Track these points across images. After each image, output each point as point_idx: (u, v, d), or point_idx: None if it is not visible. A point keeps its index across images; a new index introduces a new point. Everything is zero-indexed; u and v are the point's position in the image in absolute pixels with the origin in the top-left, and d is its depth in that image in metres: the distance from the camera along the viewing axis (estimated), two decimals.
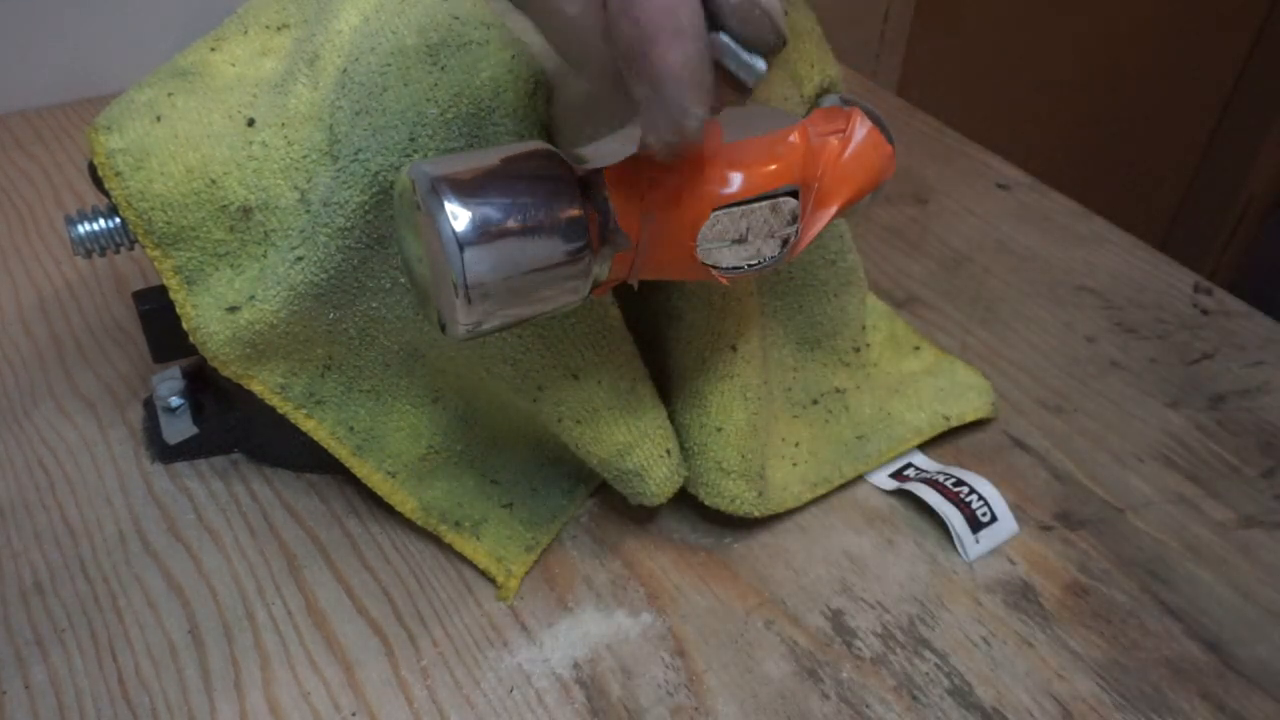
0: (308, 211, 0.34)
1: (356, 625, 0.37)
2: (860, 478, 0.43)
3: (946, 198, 0.62)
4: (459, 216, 0.25)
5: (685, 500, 0.40)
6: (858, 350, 0.45)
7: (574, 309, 0.33)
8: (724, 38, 0.25)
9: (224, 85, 0.37)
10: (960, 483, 0.41)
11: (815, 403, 0.44)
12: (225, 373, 0.36)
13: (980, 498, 0.41)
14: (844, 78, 0.42)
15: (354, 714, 0.34)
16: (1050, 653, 0.37)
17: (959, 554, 0.40)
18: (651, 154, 0.25)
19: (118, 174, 0.34)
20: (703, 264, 0.29)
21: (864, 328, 0.45)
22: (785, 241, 0.30)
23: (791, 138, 0.30)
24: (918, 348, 0.48)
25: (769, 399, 0.42)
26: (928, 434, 0.44)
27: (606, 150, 0.27)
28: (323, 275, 0.34)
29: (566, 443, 0.38)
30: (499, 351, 0.35)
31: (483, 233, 0.26)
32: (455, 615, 0.38)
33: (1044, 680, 0.36)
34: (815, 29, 0.41)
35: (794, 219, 0.30)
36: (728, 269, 0.29)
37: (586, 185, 0.28)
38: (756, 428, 0.39)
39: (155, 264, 0.35)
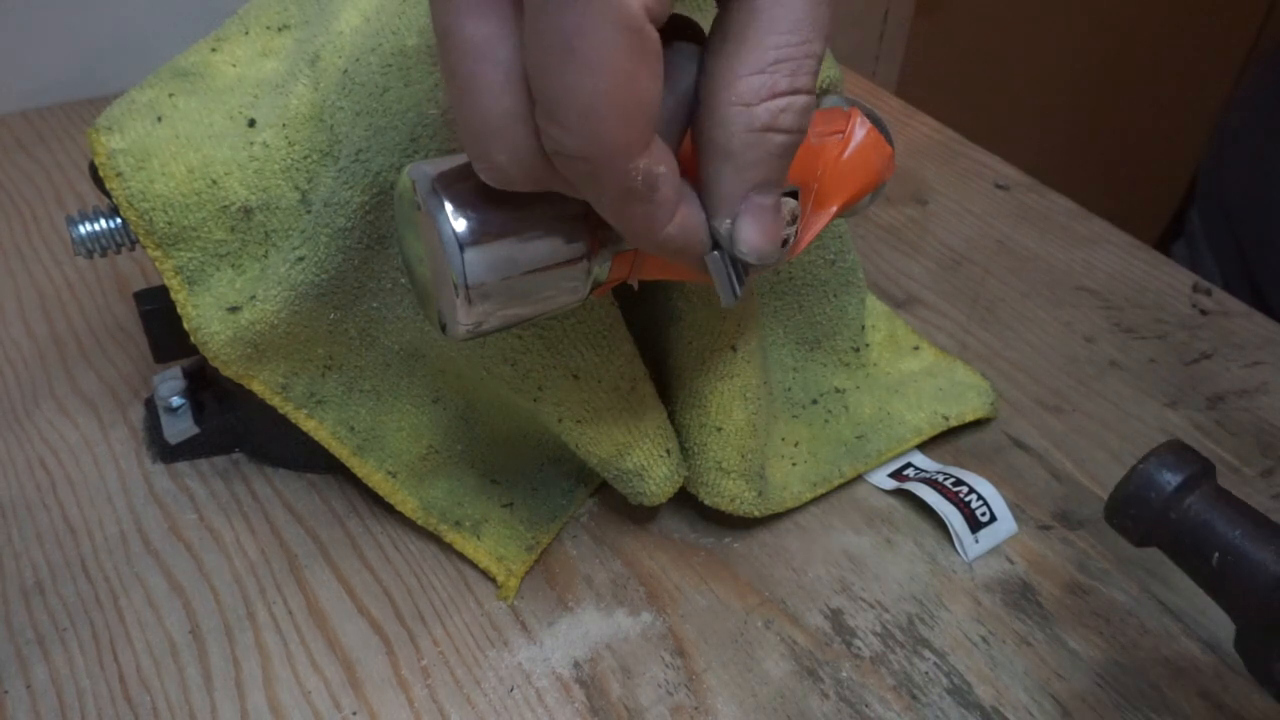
0: (309, 212, 0.35)
1: (357, 625, 0.37)
2: (860, 477, 0.43)
3: (946, 198, 0.62)
4: (459, 217, 0.26)
5: (685, 500, 0.40)
6: (857, 350, 0.45)
7: (574, 309, 0.33)
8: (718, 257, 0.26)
9: (225, 86, 0.37)
10: (960, 482, 0.41)
11: (815, 403, 0.44)
12: (226, 373, 0.36)
13: (979, 497, 0.41)
14: (844, 78, 0.42)
15: (354, 713, 0.34)
16: (1049, 652, 0.37)
17: (958, 553, 0.40)
18: None
19: (119, 174, 0.35)
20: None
21: (863, 328, 0.45)
22: (785, 242, 0.30)
23: None
24: (917, 348, 0.48)
25: (769, 399, 0.42)
26: (927, 434, 0.44)
27: None
28: (324, 275, 0.34)
29: (566, 443, 0.38)
30: (499, 352, 0.35)
31: (483, 233, 0.26)
32: (455, 614, 0.38)
33: (1043, 679, 0.36)
34: None
35: (794, 219, 0.30)
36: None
37: None
38: (756, 427, 0.39)
39: (156, 264, 0.35)
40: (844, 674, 0.36)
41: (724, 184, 0.25)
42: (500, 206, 0.26)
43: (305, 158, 0.35)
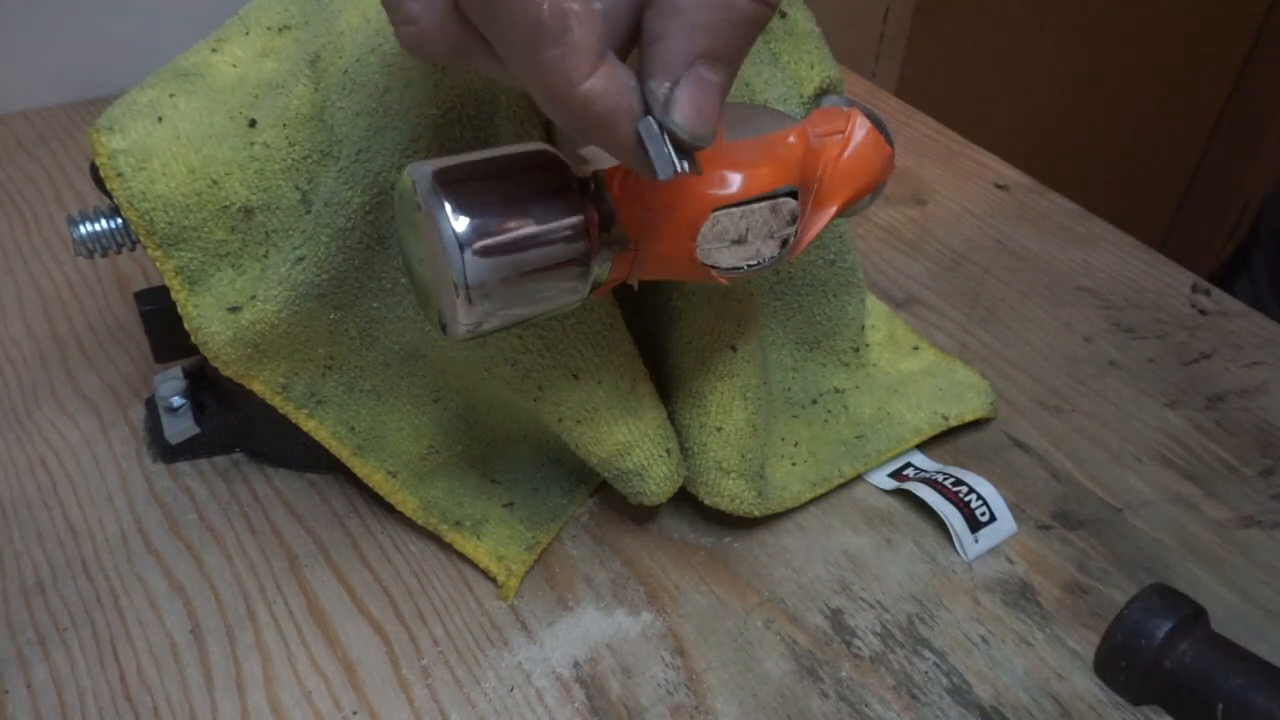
0: (309, 212, 0.35)
1: (357, 624, 0.37)
2: (859, 477, 0.43)
3: (946, 198, 0.62)
4: (459, 217, 0.26)
5: (685, 500, 0.40)
6: (857, 350, 0.45)
7: (574, 309, 0.33)
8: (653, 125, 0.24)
9: (226, 86, 0.37)
10: (959, 482, 0.41)
11: (814, 402, 0.44)
12: (226, 373, 0.36)
13: (979, 497, 0.41)
14: (844, 78, 0.42)
15: (355, 713, 0.34)
16: (1049, 652, 0.37)
17: (958, 553, 0.40)
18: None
19: (119, 175, 0.35)
20: (702, 264, 0.29)
21: (863, 328, 0.45)
22: (785, 242, 0.30)
23: (791, 138, 0.30)
24: (917, 348, 0.48)
25: (769, 399, 0.42)
26: (927, 434, 0.44)
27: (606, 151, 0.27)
28: (324, 275, 0.34)
29: (566, 442, 0.38)
30: (499, 351, 0.35)
31: (483, 233, 0.26)
32: (456, 614, 0.38)
33: (1043, 679, 0.36)
34: (815, 30, 0.41)
35: (793, 219, 0.30)
36: (727, 269, 0.30)
37: (587, 186, 0.28)
38: (756, 427, 0.39)
39: (157, 264, 0.36)
40: (844, 674, 0.36)
41: (669, 41, 0.23)
42: (501, 206, 0.26)
43: (305, 158, 0.35)
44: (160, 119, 0.35)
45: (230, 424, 0.42)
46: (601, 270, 0.29)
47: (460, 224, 0.26)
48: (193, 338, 0.36)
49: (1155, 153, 1.56)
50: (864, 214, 0.59)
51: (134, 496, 0.42)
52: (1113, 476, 0.44)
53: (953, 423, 0.44)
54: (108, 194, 0.35)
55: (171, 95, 0.36)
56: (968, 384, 0.46)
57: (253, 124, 0.35)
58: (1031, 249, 0.58)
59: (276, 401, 0.37)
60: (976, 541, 0.40)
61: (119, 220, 0.37)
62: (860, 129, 0.32)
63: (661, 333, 0.39)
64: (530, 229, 0.26)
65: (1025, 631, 0.38)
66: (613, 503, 0.42)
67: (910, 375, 0.46)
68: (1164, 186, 1.63)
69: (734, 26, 0.23)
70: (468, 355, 0.36)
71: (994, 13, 1.28)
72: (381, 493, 0.39)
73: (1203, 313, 0.53)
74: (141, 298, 0.40)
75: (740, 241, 0.29)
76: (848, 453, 0.43)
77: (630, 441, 0.37)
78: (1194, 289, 0.55)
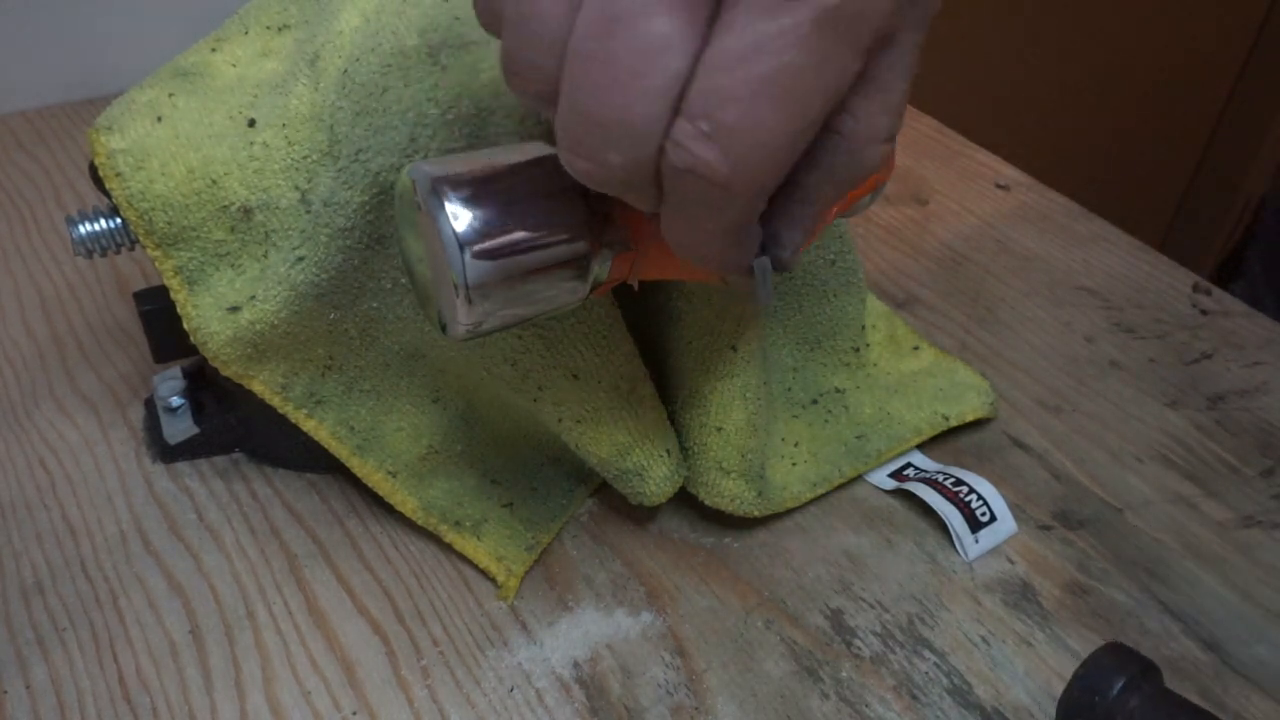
0: (308, 212, 0.35)
1: (357, 625, 0.37)
2: (860, 477, 0.43)
3: (946, 198, 0.62)
4: (459, 217, 0.25)
5: (685, 500, 0.40)
6: (857, 350, 0.45)
7: (574, 309, 0.33)
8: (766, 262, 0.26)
9: (225, 86, 0.37)
10: (960, 482, 0.41)
11: (815, 402, 0.44)
12: (226, 373, 0.36)
13: (980, 497, 0.41)
14: None
15: (354, 713, 0.34)
16: (1049, 652, 0.37)
17: (958, 553, 0.40)
18: None
19: (119, 174, 0.35)
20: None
21: (863, 328, 0.45)
22: None
23: None
24: (917, 348, 0.48)
25: (769, 399, 0.42)
26: (927, 434, 0.44)
27: None
28: (323, 275, 0.34)
29: (566, 442, 0.38)
30: (499, 351, 0.35)
31: (483, 233, 0.26)
32: (455, 615, 0.38)
33: (1043, 680, 0.36)
34: None
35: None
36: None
37: (587, 186, 0.28)
38: (756, 428, 0.39)
39: (156, 264, 0.35)
40: (844, 674, 0.36)
41: (817, 200, 0.25)
42: (501, 206, 0.26)
43: (305, 158, 0.35)
44: (159, 119, 0.35)
45: (230, 424, 0.42)
46: (601, 270, 0.29)
47: (460, 224, 0.25)
48: (192, 338, 0.36)
49: (1155, 153, 1.56)
50: (864, 214, 0.59)
51: (133, 497, 0.42)
52: (1113, 476, 0.44)
53: (953, 423, 0.44)
54: (107, 194, 0.35)
55: (171, 95, 0.36)
56: (968, 384, 0.46)
57: (252, 124, 0.35)
58: (1032, 249, 0.58)
59: (276, 402, 0.37)
60: (977, 542, 0.40)
61: (118, 220, 0.37)
62: None
63: (661, 333, 0.39)
64: (530, 229, 0.26)
65: (1026, 632, 0.37)
66: (613, 503, 0.42)
67: (910, 375, 0.46)
68: (1164, 186, 1.63)
69: (859, 180, 0.25)
70: (467, 355, 0.36)
71: (994, 13, 1.28)
72: (381, 493, 0.39)
73: (1204, 313, 0.53)
74: (141, 298, 0.40)
75: None
76: (848, 453, 0.43)
77: (630, 441, 0.37)
78: (1195, 289, 0.55)
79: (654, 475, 0.38)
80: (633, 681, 0.36)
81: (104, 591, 0.38)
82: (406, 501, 0.39)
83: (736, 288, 0.26)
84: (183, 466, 0.43)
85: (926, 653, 0.37)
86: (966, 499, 0.41)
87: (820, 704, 0.35)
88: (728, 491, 0.39)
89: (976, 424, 0.46)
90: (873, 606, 0.38)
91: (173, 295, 0.36)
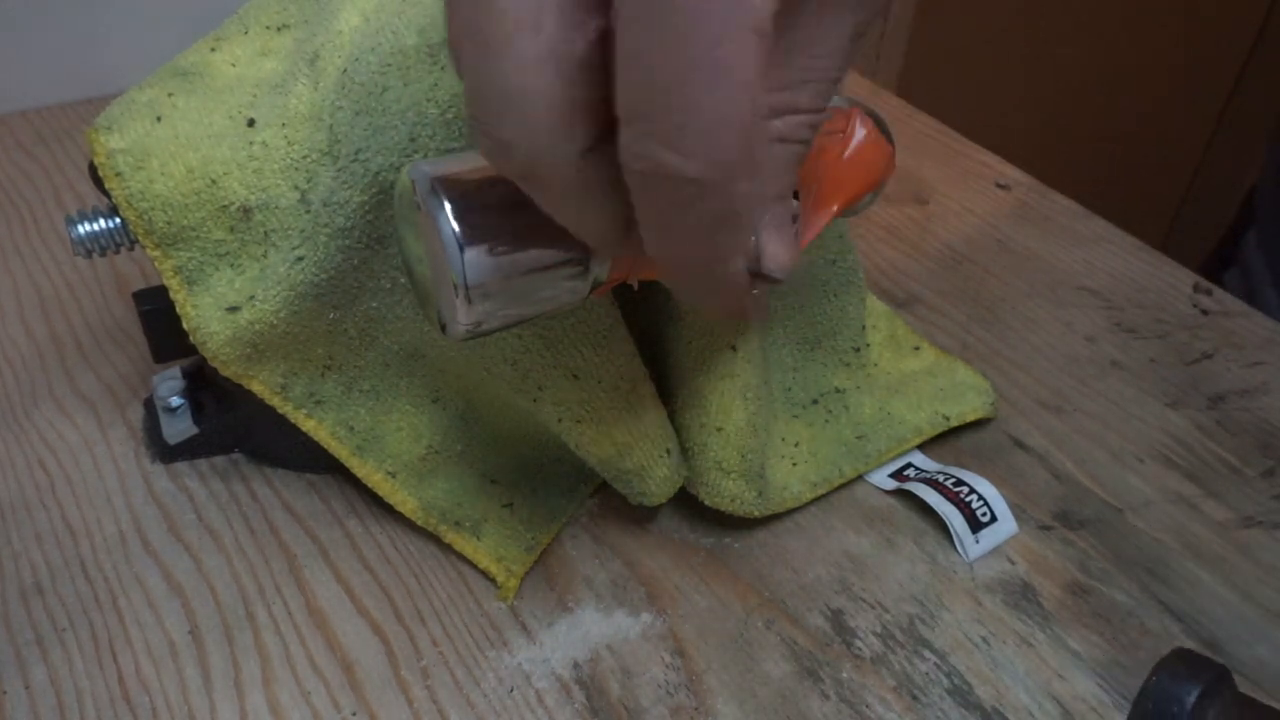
0: (308, 211, 0.34)
1: (356, 625, 0.37)
2: (860, 477, 0.43)
3: (946, 198, 0.62)
4: (459, 216, 0.25)
5: (685, 500, 0.40)
6: (857, 350, 0.45)
7: (574, 309, 0.33)
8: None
9: (224, 85, 0.37)
10: (960, 483, 0.41)
11: (815, 402, 0.44)
12: (225, 373, 0.36)
13: (980, 497, 0.41)
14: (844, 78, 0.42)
15: (354, 714, 0.34)
16: (1050, 652, 0.37)
17: (959, 554, 0.40)
18: None
19: (118, 174, 0.35)
20: None
21: (864, 328, 0.45)
22: None
23: None
24: (918, 348, 0.48)
25: (769, 399, 0.42)
26: (927, 434, 0.44)
27: None
28: (323, 275, 0.34)
29: (566, 442, 0.38)
30: (499, 351, 0.35)
31: (483, 233, 0.26)
32: (455, 615, 0.38)
33: (1044, 680, 0.36)
34: None
35: (794, 219, 0.30)
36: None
37: None
38: (756, 428, 0.39)
39: (155, 264, 0.35)
40: (844, 674, 0.36)
41: (755, 196, 0.24)
42: (501, 206, 0.26)
43: (305, 157, 0.35)
44: (159, 118, 0.35)
45: (229, 424, 0.42)
46: (601, 270, 0.29)
47: (460, 223, 0.25)
48: (191, 338, 0.36)
49: (1156, 153, 1.56)
50: (864, 214, 0.59)
51: (132, 497, 0.42)
52: (1114, 477, 0.44)
53: (953, 423, 0.44)
54: (106, 193, 0.35)
55: (170, 95, 0.36)
56: (968, 384, 0.46)
57: (251, 123, 0.35)
58: (1033, 249, 0.58)
59: (275, 402, 0.37)
60: (977, 542, 0.40)
61: (117, 220, 0.37)
62: (861, 128, 0.32)
63: (661, 333, 0.39)
64: (530, 229, 0.26)
65: (1026, 632, 0.37)
66: (613, 503, 0.42)
67: (911, 375, 0.46)
68: (1164, 186, 1.63)
69: (786, 167, 0.24)
70: (467, 355, 0.36)
71: (994, 12, 1.28)
72: (381, 493, 0.39)
73: (1204, 313, 0.53)
74: (140, 298, 0.40)
75: None
76: (848, 453, 0.43)
77: (630, 442, 0.37)
78: (1195, 289, 0.55)
79: (654, 475, 0.38)
80: (633, 682, 0.36)
81: (103, 592, 0.38)
82: (406, 502, 0.39)
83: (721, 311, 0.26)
84: (182, 466, 0.43)
85: (927, 653, 0.37)
86: (967, 499, 0.41)
87: (820, 704, 0.35)
88: (728, 491, 0.39)
89: (977, 424, 0.46)
90: (873, 607, 0.38)
91: (172, 295, 0.36)
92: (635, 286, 0.31)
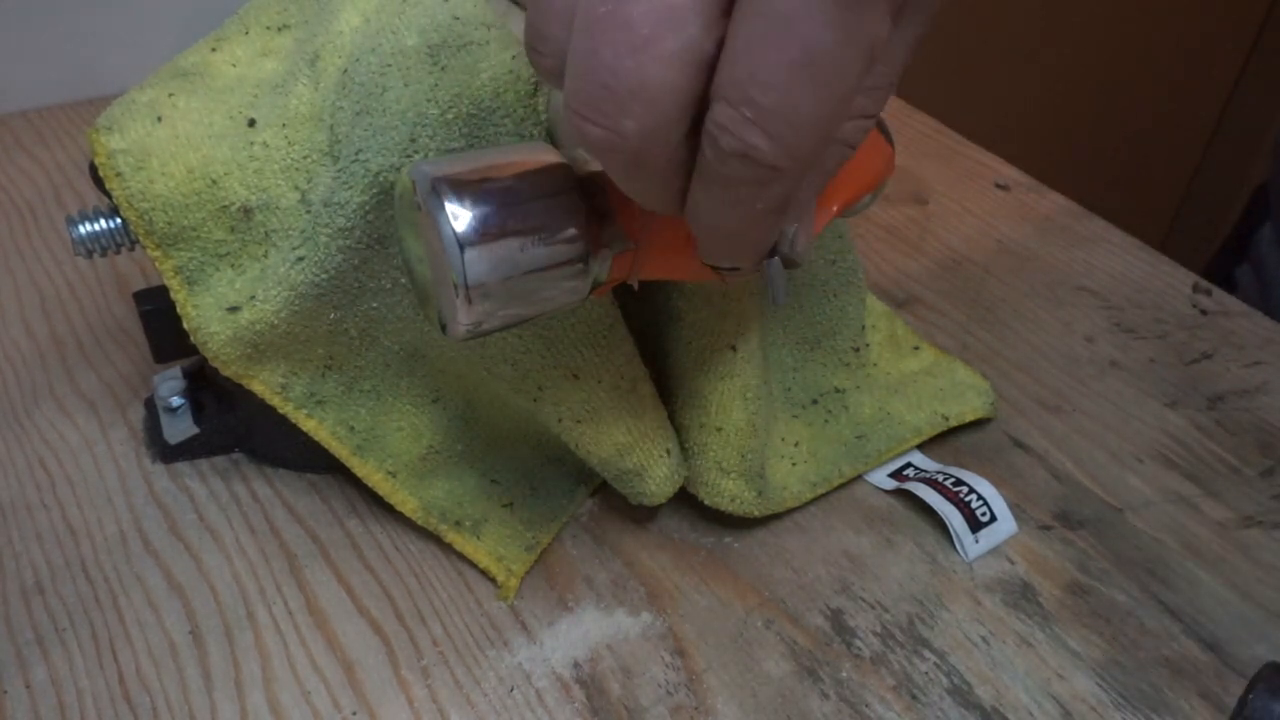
0: (308, 212, 0.35)
1: (357, 625, 0.37)
2: (860, 477, 0.43)
3: (946, 198, 0.62)
4: (459, 217, 0.25)
5: (685, 500, 0.40)
6: (857, 350, 0.45)
7: (574, 309, 0.33)
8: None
9: (225, 86, 0.37)
10: (960, 482, 0.41)
11: (815, 402, 0.44)
12: (226, 373, 0.36)
13: (980, 497, 0.41)
14: None
15: (354, 713, 0.34)
16: (1049, 652, 0.37)
17: (958, 554, 0.40)
18: None
19: (119, 174, 0.35)
20: (703, 265, 0.29)
21: (863, 328, 0.45)
22: None
23: None
24: (917, 348, 0.48)
25: (769, 399, 0.42)
26: (927, 434, 0.44)
27: None
28: (323, 275, 0.34)
29: (566, 442, 0.38)
30: (499, 351, 0.35)
31: (483, 233, 0.26)
32: (455, 615, 0.38)
33: (1043, 680, 0.36)
34: None
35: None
36: (728, 269, 0.29)
37: (587, 186, 0.28)
38: (756, 428, 0.39)
39: (156, 264, 0.35)
40: (844, 674, 0.36)
41: (804, 189, 0.25)
42: (501, 206, 0.26)
43: (305, 158, 0.35)
44: (159, 119, 0.35)
45: (230, 424, 0.42)
46: (601, 270, 0.29)
47: (460, 224, 0.25)
48: (192, 338, 0.36)
49: (1155, 153, 1.56)
50: (864, 214, 0.59)
51: (133, 497, 0.42)
52: (1113, 476, 0.44)
53: (953, 423, 0.44)
54: (107, 194, 0.35)
55: (171, 95, 0.36)
56: (968, 384, 0.46)
57: (252, 124, 0.35)
58: (1032, 249, 0.58)
59: (276, 402, 0.37)
60: (977, 542, 0.40)
61: (118, 220, 0.37)
62: None
63: (661, 333, 0.39)
64: (530, 229, 0.26)
65: (1026, 632, 0.38)
66: (613, 503, 0.42)
67: (910, 375, 0.46)
68: (1164, 186, 1.63)
69: (836, 166, 0.25)
70: (468, 355, 0.36)
71: (994, 12, 1.28)
72: (381, 493, 0.39)
73: (1203, 313, 0.53)
74: (141, 298, 0.40)
75: None
76: (848, 453, 0.43)
77: (630, 441, 0.37)
78: (1195, 289, 0.55)
79: (654, 475, 0.38)
80: (633, 681, 0.36)
81: (104, 591, 0.38)
82: (406, 501, 0.39)
83: (738, 286, 0.27)
84: (182, 466, 0.43)
85: (926, 653, 0.37)
86: (966, 499, 0.41)
87: (820, 704, 0.35)
88: (728, 491, 0.39)
89: (976, 424, 0.46)
90: (873, 606, 0.38)
91: (173, 295, 0.36)
92: (635, 286, 0.32)
